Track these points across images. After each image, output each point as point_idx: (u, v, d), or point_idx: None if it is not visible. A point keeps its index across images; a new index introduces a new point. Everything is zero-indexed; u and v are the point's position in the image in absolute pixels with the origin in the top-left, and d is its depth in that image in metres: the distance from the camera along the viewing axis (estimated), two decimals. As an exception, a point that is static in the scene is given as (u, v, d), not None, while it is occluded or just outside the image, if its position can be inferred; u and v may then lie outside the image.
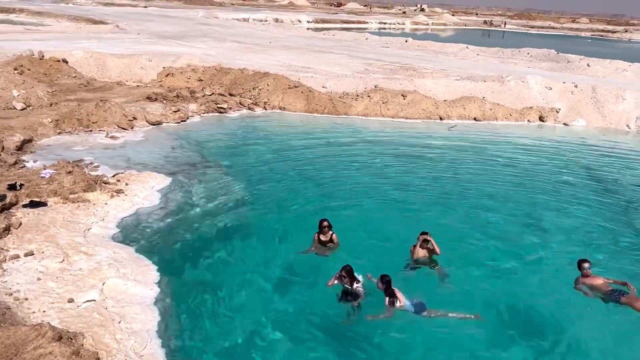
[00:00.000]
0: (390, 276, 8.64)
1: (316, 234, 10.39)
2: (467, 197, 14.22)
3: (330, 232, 10.30)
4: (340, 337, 8.00)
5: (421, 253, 9.92)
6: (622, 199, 14.88)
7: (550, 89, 25.87)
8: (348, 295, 8.71)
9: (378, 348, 7.80)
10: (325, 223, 10.28)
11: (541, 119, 24.61)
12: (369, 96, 23.91)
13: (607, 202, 14.44)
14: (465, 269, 9.98)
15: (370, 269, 9.29)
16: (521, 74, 28.09)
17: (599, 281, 8.87)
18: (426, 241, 9.77)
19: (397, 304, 8.29)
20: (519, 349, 7.83)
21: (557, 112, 24.87)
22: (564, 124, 24.38)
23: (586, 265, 9.02)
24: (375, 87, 24.92)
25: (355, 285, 8.72)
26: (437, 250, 9.76)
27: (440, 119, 23.50)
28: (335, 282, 8.86)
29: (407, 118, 23.14)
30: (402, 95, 23.95)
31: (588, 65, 35.97)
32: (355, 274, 8.85)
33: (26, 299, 7.52)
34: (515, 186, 15.38)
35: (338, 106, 23.22)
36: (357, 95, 24.18)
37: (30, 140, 15.30)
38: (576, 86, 25.95)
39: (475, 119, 23.95)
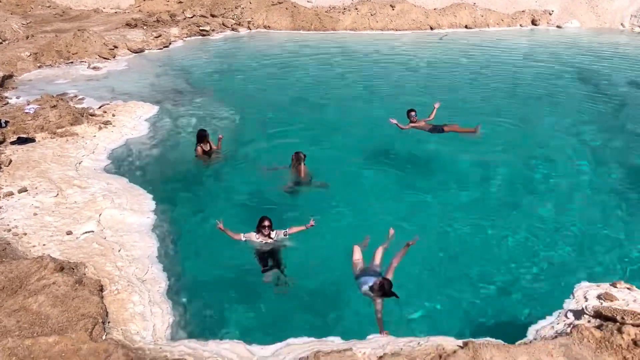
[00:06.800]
0: None
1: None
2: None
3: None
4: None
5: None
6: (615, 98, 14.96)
7: (544, -11, 24.97)
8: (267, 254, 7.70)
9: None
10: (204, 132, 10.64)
11: (534, 22, 23.95)
12: (356, 9, 23.10)
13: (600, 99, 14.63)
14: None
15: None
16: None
17: (421, 123, 11.31)
18: None
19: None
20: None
21: (550, 14, 24.16)
22: (557, 26, 23.77)
23: (412, 113, 11.29)
24: (363, -2, 23.99)
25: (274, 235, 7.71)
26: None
27: (431, 28, 22.84)
28: (248, 238, 7.67)
29: (396, 30, 22.50)
30: (391, 5, 23.12)
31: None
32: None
33: (25, 234, 7.63)
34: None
35: (325, 21, 22.47)
36: (344, 9, 23.35)
37: (10, 76, 14.91)
38: (570, -15, 25.03)
39: (466, 26, 23.29)
